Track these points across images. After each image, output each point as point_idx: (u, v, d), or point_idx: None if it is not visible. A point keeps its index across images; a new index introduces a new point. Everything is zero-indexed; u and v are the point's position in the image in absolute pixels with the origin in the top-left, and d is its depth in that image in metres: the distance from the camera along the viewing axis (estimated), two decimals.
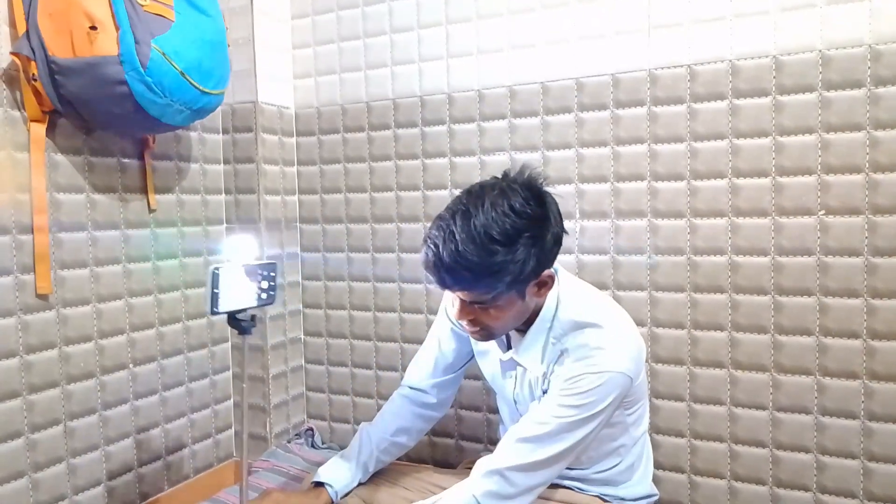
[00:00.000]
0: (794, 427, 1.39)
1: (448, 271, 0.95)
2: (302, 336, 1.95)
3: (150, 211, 1.59)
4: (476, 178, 1.65)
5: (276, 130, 1.83)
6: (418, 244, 1.74)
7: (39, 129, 1.32)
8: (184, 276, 1.68)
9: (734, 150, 1.40)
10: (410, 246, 1.76)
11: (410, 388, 1.36)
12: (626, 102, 1.49)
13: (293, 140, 1.90)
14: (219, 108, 1.67)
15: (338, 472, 1.26)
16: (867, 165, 1.30)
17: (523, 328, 1.11)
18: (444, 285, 0.99)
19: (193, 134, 1.72)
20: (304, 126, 1.89)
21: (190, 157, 1.71)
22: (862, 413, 1.34)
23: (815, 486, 1.38)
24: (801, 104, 1.34)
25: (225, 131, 1.80)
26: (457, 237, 0.94)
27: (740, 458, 1.44)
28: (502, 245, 0.93)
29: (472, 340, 1.24)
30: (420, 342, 1.76)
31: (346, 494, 1.25)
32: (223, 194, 1.81)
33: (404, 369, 1.78)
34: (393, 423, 1.33)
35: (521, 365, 1.12)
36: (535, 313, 1.09)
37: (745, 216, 1.40)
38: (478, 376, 1.55)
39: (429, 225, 1.69)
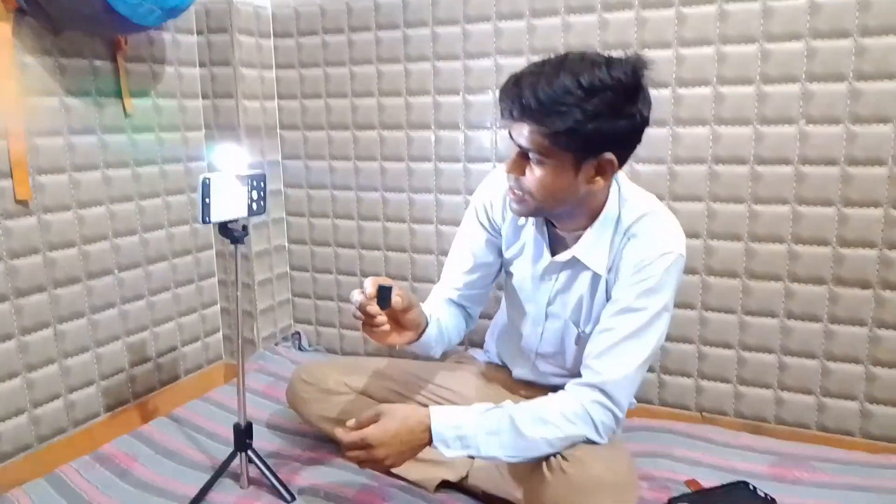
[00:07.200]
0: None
1: (523, 93, 0.96)
2: (286, 244, 1.97)
3: (126, 115, 1.55)
4: (460, 84, 1.62)
5: (253, 32, 1.77)
6: (401, 153, 1.74)
7: (5, 29, 1.26)
8: (164, 183, 1.67)
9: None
10: (393, 154, 1.75)
11: (446, 298, 1.29)
12: (615, 5, 1.45)
13: (270, 42, 1.84)
14: (192, 8, 1.60)
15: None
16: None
17: (582, 227, 1.11)
18: (512, 107, 0.99)
19: (167, 35, 1.65)
20: (281, 27, 1.82)
21: (164, 60, 1.65)
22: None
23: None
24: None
25: (199, 32, 1.73)
26: (545, 68, 0.97)
27: (746, 364, 1.52)
28: (582, 89, 0.94)
29: (505, 241, 1.24)
30: (403, 250, 1.80)
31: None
32: (200, 99, 1.77)
33: (389, 276, 1.83)
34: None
35: (581, 263, 1.12)
36: (597, 211, 1.10)
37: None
38: None
39: (411, 133, 1.70)
